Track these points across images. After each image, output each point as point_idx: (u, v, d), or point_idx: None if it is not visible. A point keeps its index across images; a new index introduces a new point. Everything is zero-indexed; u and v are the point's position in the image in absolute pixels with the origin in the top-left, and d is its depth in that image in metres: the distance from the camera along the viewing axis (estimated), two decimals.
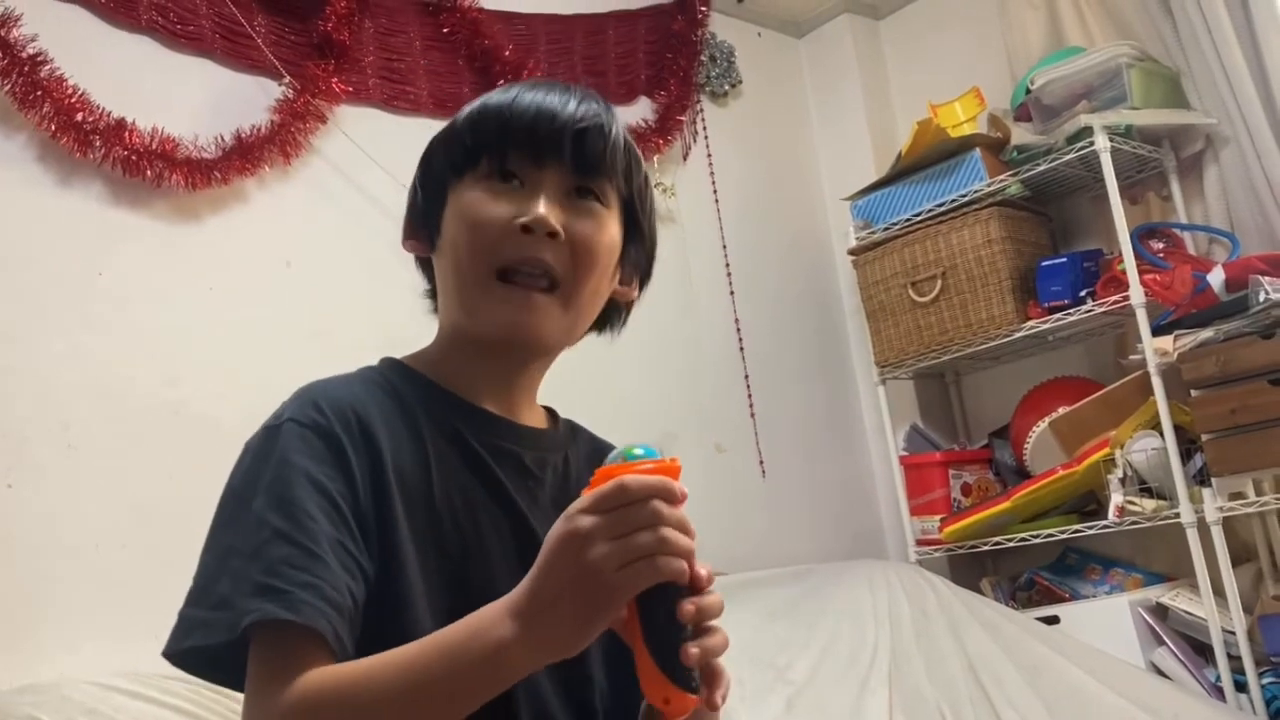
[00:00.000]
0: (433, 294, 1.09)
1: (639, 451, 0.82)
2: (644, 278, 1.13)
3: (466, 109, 1.04)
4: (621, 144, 1.02)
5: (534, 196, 0.98)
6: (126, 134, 2.03)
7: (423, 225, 1.05)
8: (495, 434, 1.02)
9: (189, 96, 2.18)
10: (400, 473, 0.94)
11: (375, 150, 2.36)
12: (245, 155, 2.20)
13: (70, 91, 1.98)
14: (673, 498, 0.79)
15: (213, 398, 2.08)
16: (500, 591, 0.82)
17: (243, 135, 2.21)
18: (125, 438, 1.97)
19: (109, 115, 2.02)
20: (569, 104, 1.00)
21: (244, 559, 0.85)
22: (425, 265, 1.10)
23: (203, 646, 0.84)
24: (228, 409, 2.09)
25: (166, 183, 2.08)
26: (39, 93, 1.95)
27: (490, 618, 0.80)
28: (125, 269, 2.04)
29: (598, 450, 1.12)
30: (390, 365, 1.05)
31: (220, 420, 2.07)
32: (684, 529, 0.79)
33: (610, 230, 1.02)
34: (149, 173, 2.06)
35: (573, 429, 1.14)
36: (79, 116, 1.98)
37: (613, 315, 1.12)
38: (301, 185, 2.31)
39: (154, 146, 2.07)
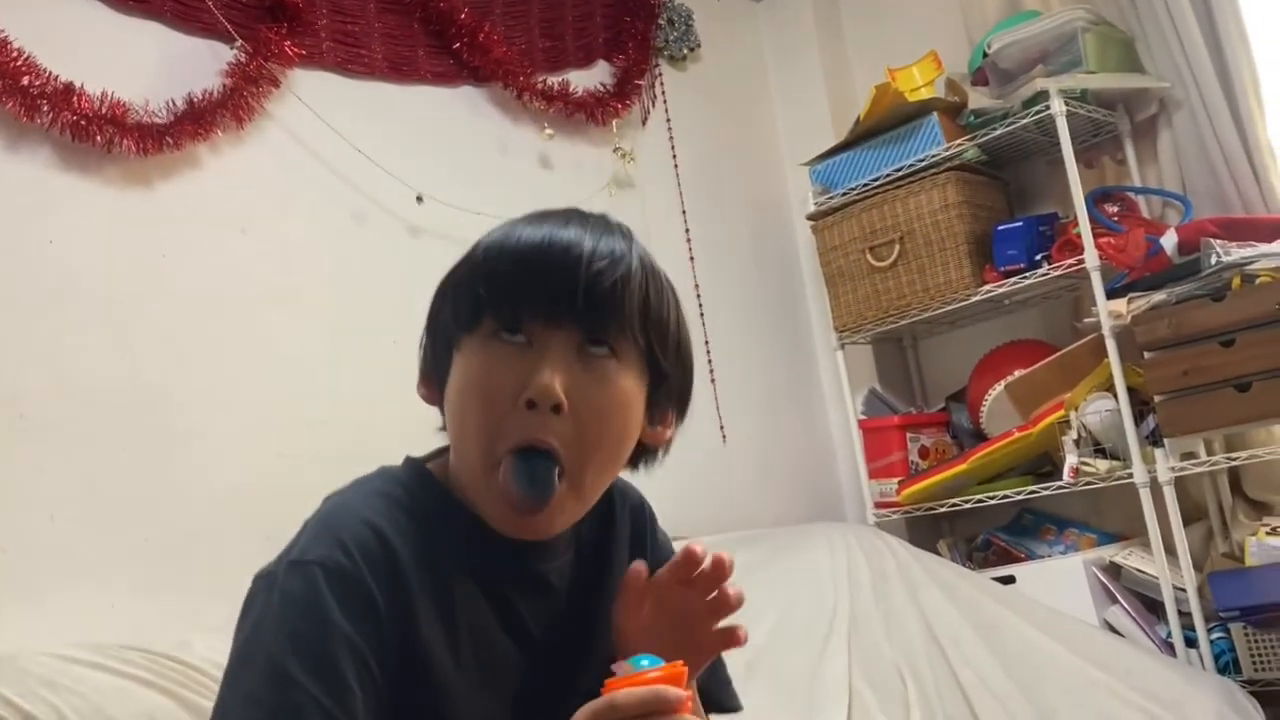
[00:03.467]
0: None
1: (645, 663, 0.82)
2: (680, 412, 1.07)
3: (474, 252, 0.97)
4: (639, 291, 0.94)
5: (540, 361, 0.91)
6: (75, 98, 1.99)
7: (434, 375, 1.00)
8: (521, 564, 1.00)
9: (139, 60, 2.14)
10: (429, 618, 0.92)
11: (330, 114, 2.32)
12: (197, 120, 2.15)
13: (15, 54, 1.93)
14: (667, 708, 0.78)
15: (166, 367, 2.06)
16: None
17: (194, 99, 2.17)
18: (77, 409, 1.94)
19: (57, 79, 1.97)
20: (583, 249, 0.91)
21: (270, 716, 0.83)
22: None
23: None
24: (181, 379, 2.07)
25: (117, 148, 2.04)
26: None
27: None
28: (75, 236, 2.00)
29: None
30: (416, 477, 1.00)
31: (173, 390, 2.05)
32: None
33: (623, 388, 0.95)
34: (99, 138, 2.01)
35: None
36: (25, 80, 1.93)
37: (647, 455, 1.05)
38: (255, 150, 2.28)
39: (104, 111, 2.02)
